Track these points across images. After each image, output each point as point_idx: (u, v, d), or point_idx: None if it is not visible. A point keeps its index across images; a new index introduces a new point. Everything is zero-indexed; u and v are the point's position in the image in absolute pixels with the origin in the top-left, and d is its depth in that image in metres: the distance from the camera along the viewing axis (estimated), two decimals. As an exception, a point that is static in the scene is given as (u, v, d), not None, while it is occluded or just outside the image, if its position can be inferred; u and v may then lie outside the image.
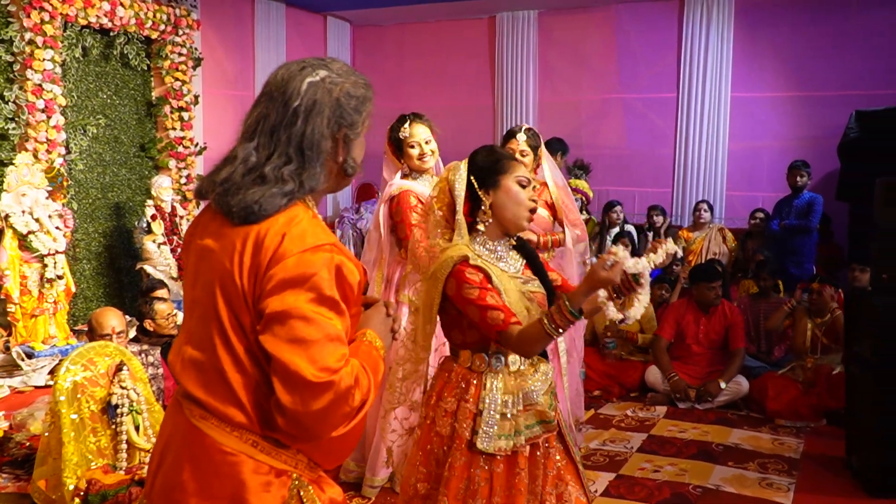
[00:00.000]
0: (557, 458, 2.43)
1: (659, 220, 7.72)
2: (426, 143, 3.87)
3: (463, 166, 2.48)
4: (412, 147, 3.86)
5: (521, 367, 2.40)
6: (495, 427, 2.32)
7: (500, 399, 2.34)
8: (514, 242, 2.47)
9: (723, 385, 5.32)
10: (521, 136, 4.17)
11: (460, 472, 2.30)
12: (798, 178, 6.98)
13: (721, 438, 4.77)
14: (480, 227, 2.41)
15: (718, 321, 5.52)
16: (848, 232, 7.33)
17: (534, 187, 2.47)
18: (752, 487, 4.11)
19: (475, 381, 2.37)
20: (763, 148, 8.21)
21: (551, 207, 4.33)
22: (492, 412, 2.33)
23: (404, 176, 3.96)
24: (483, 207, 2.40)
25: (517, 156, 4.15)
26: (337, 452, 1.66)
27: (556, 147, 6.84)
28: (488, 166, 2.42)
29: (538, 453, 2.39)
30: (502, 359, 2.37)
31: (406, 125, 3.86)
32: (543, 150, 4.30)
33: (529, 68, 9.06)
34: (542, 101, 9.11)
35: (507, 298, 2.31)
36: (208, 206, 1.65)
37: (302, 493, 1.59)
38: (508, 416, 2.34)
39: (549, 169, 4.35)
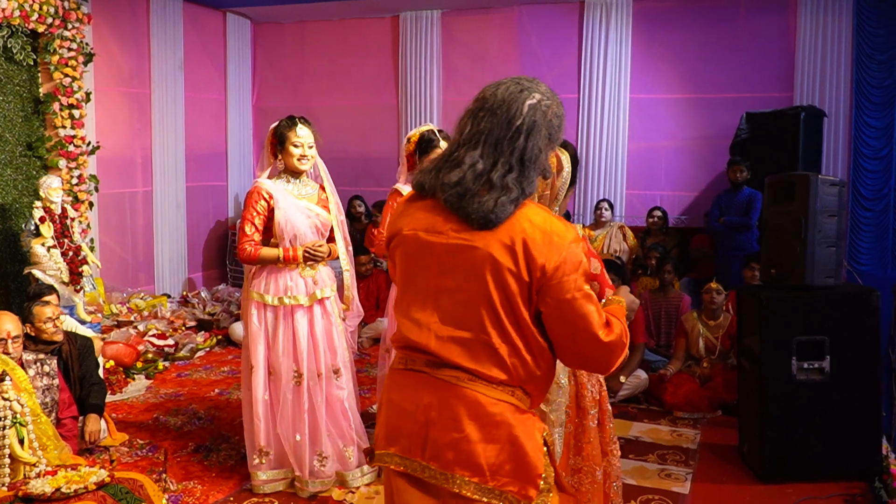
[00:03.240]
0: None
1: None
2: (309, 147, 4.00)
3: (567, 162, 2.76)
4: (296, 146, 3.96)
5: None
6: None
7: None
8: None
9: (623, 380, 5.44)
10: (444, 144, 4.15)
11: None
12: (738, 174, 7.09)
13: (622, 432, 4.88)
14: None
15: (618, 317, 5.64)
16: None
17: None
18: (651, 479, 4.22)
19: None
20: (660, 148, 8.45)
21: None
22: None
23: (271, 176, 4.06)
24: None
25: None
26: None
27: None
28: (573, 176, 2.79)
29: None
30: None
31: (297, 125, 3.98)
32: None
33: (433, 68, 9.07)
34: (446, 101, 9.12)
35: None
36: (424, 200, 1.94)
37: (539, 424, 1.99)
38: None
39: None
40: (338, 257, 4.14)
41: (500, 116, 1.86)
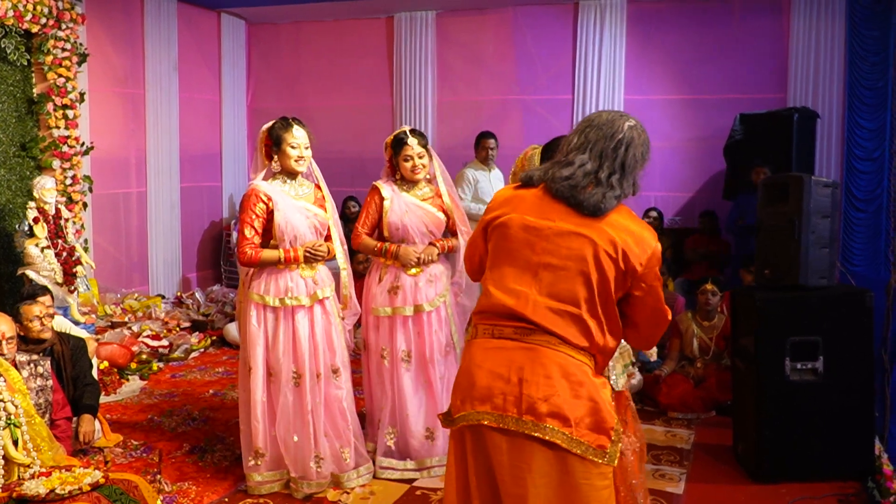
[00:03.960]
0: None
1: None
2: (305, 148, 3.98)
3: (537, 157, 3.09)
4: (293, 148, 3.94)
5: None
6: None
7: None
8: None
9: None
10: (413, 141, 4.19)
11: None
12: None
13: (617, 432, 4.88)
14: None
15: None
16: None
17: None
18: (645, 479, 4.23)
19: None
20: (655, 149, 8.22)
21: (446, 214, 4.34)
22: None
23: (266, 178, 4.05)
24: None
25: (415, 160, 4.17)
26: None
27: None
28: None
29: None
30: None
31: (292, 126, 3.96)
32: (433, 150, 4.32)
33: (428, 68, 9.07)
34: (441, 102, 9.12)
35: None
36: (528, 190, 2.30)
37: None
38: None
39: (441, 174, 4.36)
40: (335, 257, 4.14)
41: (605, 130, 2.27)
